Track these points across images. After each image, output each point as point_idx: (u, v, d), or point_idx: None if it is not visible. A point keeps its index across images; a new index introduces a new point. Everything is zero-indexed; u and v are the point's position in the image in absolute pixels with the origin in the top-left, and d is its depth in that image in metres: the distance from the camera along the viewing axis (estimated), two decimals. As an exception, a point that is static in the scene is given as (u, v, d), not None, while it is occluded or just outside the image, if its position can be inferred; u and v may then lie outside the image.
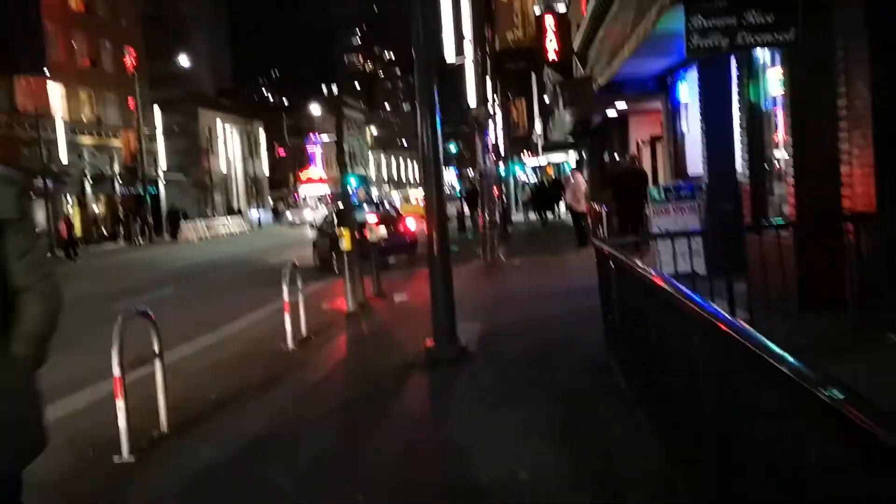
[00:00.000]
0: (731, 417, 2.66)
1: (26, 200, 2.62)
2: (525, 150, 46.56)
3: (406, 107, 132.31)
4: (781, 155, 8.27)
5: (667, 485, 3.75)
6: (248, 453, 5.12)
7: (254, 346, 8.99)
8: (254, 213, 59.40)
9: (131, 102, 43.43)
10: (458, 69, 20.18)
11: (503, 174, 24.89)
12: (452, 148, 55.64)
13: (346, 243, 11.32)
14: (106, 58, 46.48)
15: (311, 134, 73.79)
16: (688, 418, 3.31)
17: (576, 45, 19.51)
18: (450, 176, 54.51)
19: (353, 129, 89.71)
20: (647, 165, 17.12)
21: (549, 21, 22.51)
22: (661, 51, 10.37)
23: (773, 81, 8.14)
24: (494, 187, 18.90)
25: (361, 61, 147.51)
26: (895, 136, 6.11)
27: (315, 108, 75.80)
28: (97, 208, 44.94)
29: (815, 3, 6.59)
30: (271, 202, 70.65)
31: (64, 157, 39.29)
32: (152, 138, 46.84)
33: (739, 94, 9.14)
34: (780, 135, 8.14)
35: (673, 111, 13.38)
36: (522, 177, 48.76)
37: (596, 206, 17.99)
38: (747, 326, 2.47)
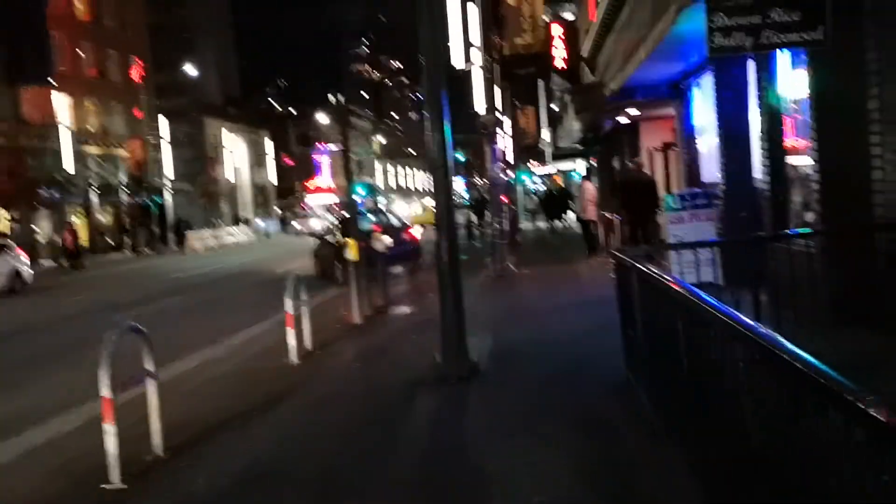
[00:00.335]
0: (792, 457, 2.31)
1: None
2: (533, 159, 46.26)
3: (413, 115, 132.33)
4: (805, 160, 7.93)
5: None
6: (246, 481, 4.79)
7: (257, 361, 8.67)
8: (260, 223, 59.22)
9: (137, 112, 43.35)
10: (467, 76, 19.90)
11: (512, 182, 24.58)
12: (460, 156, 55.42)
13: (353, 253, 11.01)
14: (112, 67, 46.42)
15: (317, 143, 73.68)
16: (734, 455, 2.95)
17: (584, 51, 19.23)
18: (458, 184, 54.30)
19: (359, 138, 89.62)
20: (659, 173, 16.78)
21: (557, 29, 22.28)
22: (676, 54, 10.08)
23: (797, 84, 7.80)
24: (503, 196, 18.56)
25: (369, 70, 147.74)
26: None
27: (322, 118, 75.71)
28: (103, 218, 44.79)
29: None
30: (278, 211, 70.51)
31: (70, 166, 39.15)
32: (158, 148, 46.73)
33: (759, 97, 8.80)
34: (804, 140, 7.79)
35: (687, 117, 13.05)
36: (530, 185, 48.47)
37: (608, 215, 17.66)
38: (813, 359, 2.14)
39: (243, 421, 6.09)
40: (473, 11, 19.58)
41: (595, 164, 27.65)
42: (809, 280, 6.84)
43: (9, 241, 24.51)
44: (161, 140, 47.17)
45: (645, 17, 9.84)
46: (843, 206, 6.89)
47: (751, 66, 9.35)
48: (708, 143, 11.83)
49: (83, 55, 43.81)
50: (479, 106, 19.36)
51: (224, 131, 60.59)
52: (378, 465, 4.83)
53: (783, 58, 8.01)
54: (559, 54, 22.36)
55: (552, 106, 37.68)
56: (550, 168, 44.45)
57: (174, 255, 37.51)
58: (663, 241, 11.83)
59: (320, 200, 69.69)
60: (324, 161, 74.68)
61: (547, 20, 23.97)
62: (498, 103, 19.88)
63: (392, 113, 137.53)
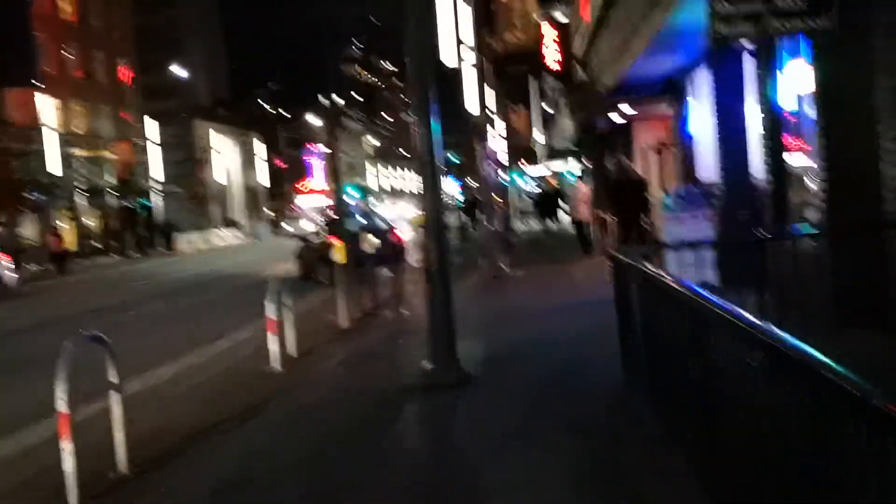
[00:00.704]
0: (813, 467, 2.04)
1: None
2: (525, 160, 45.98)
3: (406, 117, 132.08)
4: (806, 157, 7.62)
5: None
6: (217, 502, 4.42)
7: (238, 368, 8.30)
8: (251, 225, 58.75)
9: (125, 114, 42.83)
10: (458, 75, 19.57)
11: (504, 182, 24.30)
12: (452, 157, 55.05)
13: (340, 256, 10.66)
14: (99, 69, 45.81)
15: (309, 145, 73.22)
16: (744, 463, 2.64)
17: (577, 50, 18.94)
18: (451, 185, 53.80)
19: (352, 140, 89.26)
20: (654, 171, 16.49)
21: (548, 29, 21.97)
22: (673, 47, 9.77)
23: (800, 76, 7.48)
24: (496, 196, 18.21)
25: (360, 72, 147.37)
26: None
27: (313, 119, 75.29)
28: (90, 221, 44.23)
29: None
30: (269, 213, 70.04)
31: (56, 169, 38.59)
32: (146, 150, 46.25)
33: (759, 92, 8.48)
34: (807, 135, 7.48)
35: (683, 114, 12.74)
36: (523, 186, 48.17)
37: (601, 215, 17.37)
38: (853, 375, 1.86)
39: (219, 434, 5.72)
40: (464, 9, 19.26)
41: (589, 164, 27.37)
42: (813, 280, 6.53)
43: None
44: (149, 142, 46.72)
45: (640, 9, 9.51)
46: (849, 204, 6.58)
47: (749, 61, 9.05)
48: (705, 140, 11.53)
49: (69, 56, 43.23)
50: (471, 105, 19.03)
51: (214, 133, 60.07)
52: (362, 483, 4.47)
53: (785, 49, 7.71)
54: (551, 55, 22.08)
55: (544, 106, 37.42)
56: (543, 168, 44.17)
57: (162, 259, 37.05)
58: (658, 241, 11.53)
59: (312, 202, 69.25)
60: (315, 163, 74.27)
61: (538, 20, 23.69)
62: (490, 103, 19.56)
63: (384, 115, 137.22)
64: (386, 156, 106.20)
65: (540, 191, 37.99)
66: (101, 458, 5.03)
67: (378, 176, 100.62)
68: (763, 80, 8.32)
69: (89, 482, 4.49)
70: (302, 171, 73.95)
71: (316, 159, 73.71)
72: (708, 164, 11.16)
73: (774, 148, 8.34)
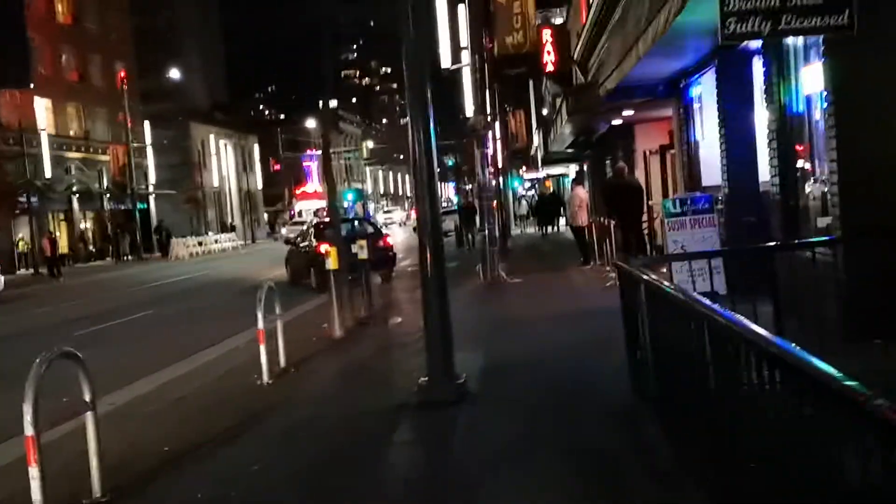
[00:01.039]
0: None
1: None
2: (523, 164, 45.71)
3: (403, 121, 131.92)
4: (818, 161, 7.33)
5: None
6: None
7: (225, 381, 7.97)
8: (248, 229, 58.38)
9: (121, 116, 42.45)
10: (456, 78, 19.33)
11: (502, 187, 24.00)
12: (449, 161, 54.76)
13: (332, 262, 10.33)
14: (95, 71, 45.45)
15: (307, 149, 72.85)
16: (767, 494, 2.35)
17: (576, 54, 18.68)
18: (448, 190, 53.56)
19: (349, 144, 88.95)
20: (656, 176, 16.21)
21: (547, 34, 21.74)
22: (678, 49, 9.48)
23: (812, 77, 7.20)
24: (493, 201, 17.93)
25: (357, 75, 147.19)
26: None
27: (311, 123, 74.97)
28: (85, 225, 43.84)
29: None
30: (266, 217, 69.62)
31: (49, 172, 38.21)
32: (142, 153, 45.86)
33: (768, 94, 8.19)
34: (819, 138, 7.19)
35: (686, 117, 12.45)
36: (520, 191, 47.91)
37: (602, 221, 17.08)
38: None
39: (201, 454, 5.40)
40: (463, 12, 19.02)
41: (587, 169, 27.10)
42: (825, 289, 6.24)
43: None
44: (145, 145, 46.36)
45: (643, 10, 9.22)
46: (864, 209, 6.28)
47: (756, 63, 8.77)
48: (709, 144, 11.24)
49: (64, 59, 42.90)
50: (469, 108, 18.77)
51: (211, 137, 59.68)
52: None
53: (797, 47, 7.43)
54: (550, 58, 21.86)
55: (543, 110, 37.16)
56: (541, 173, 43.90)
57: (157, 263, 36.68)
58: (660, 249, 11.25)
59: (309, 206, 68.91)
60: (313, 166, 73.91)
61: (537, 23, 23.45)
62: (488, 105, 19.29)
63: (382, 118, 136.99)
64: (384, 159, 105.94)
65: (538, 196, 37.71)
66: (74, 481, 4.73)
67: (376, 180, 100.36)
68: (772, 80, 8.03)
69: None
70: (299, 174, 73.59)
71: (314, 163, 73.36)
72: (713, 169, 10.88)
73: (783, 150, 8.06)
